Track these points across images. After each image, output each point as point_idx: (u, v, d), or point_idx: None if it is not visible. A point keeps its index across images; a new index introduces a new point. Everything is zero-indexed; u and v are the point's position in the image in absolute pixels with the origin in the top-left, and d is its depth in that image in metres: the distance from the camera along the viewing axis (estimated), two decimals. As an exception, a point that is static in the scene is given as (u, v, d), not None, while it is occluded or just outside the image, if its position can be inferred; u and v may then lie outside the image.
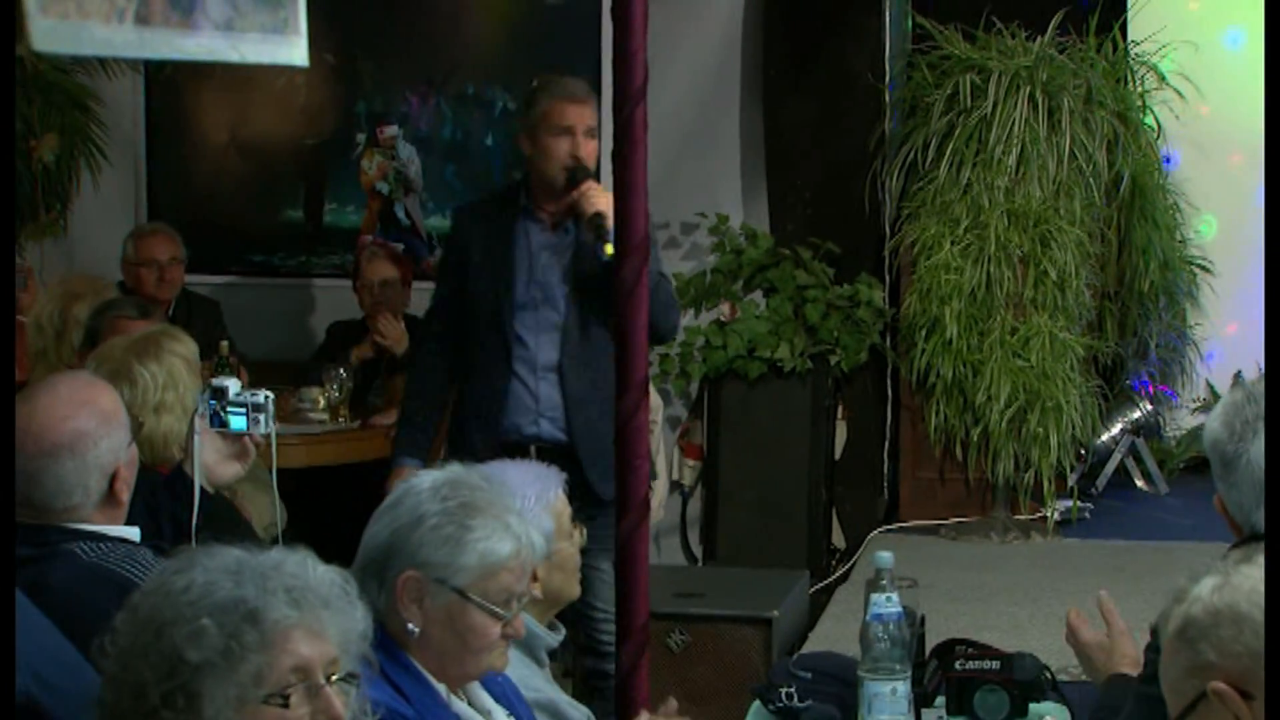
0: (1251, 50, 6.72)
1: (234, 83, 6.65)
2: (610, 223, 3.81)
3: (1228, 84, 6.69)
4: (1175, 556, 5.35)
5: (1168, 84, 6.44)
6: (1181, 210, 6.68)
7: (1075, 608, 2.91)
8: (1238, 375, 6.82)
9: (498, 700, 2.52)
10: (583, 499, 3.99)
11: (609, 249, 3.92)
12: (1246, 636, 1.76)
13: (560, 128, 4.19)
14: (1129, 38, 6.54)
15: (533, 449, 4.15)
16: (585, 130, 4.21)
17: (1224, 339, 7.00)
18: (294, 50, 2.14)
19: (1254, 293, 6.93)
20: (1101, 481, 6.56)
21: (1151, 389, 6.71)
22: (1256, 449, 2.49)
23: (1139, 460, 6.61)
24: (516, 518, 2.39)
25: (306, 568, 1.84)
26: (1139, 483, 6.57)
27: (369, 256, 5.97)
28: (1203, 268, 6.93)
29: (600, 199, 4.05)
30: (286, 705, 1.77)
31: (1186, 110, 6.54)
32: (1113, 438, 6.59)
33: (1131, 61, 6.42)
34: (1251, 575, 1.79)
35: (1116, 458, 6.59)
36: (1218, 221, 6.93)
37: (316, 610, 1.81)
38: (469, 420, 4.31)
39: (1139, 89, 6.48)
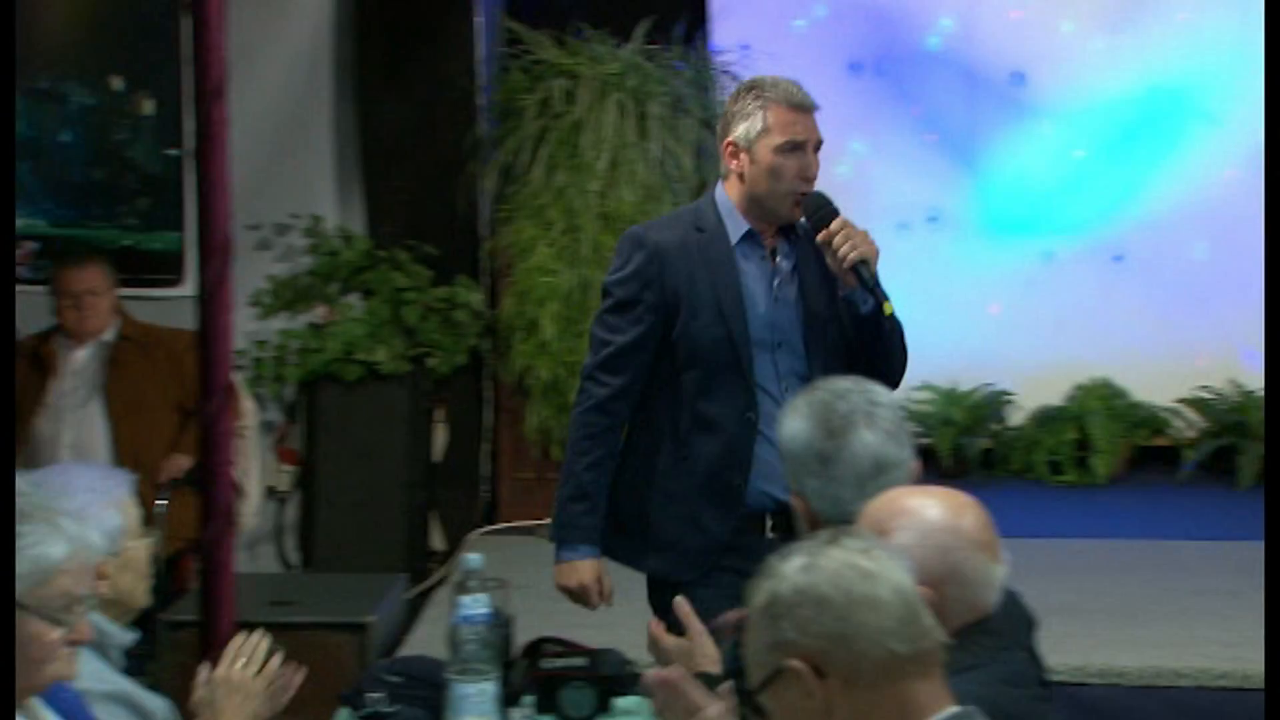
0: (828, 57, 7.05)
1: None
2: (874, 268, 3.35)
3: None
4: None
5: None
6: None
7: (655, 620, 2.93)
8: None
9: (66, 717, 2.41)
10: None
11: (889, 307, 3.34)
12: (826, 619, 1.84)
13: (791, 143, 3.41)
14: (712, 47, 6.75)
15: (768, 517, 3.43)
16: (815, 144, 3.46)
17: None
18: None
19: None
20: (693, 478, 6.76)
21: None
22: (857, 441, 2.61)
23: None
24: (70, 519, 2.29)
25: None
26: (729, 478, 6.79)
27: None
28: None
29: (865, 243, 3.36)
30: None
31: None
32: (704, 435, 6.80)
33: (715, 69, 6.63)
34: (836, 558, 1.87)
35: (707, 454, 6.81)
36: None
37: None
38: (695, 487, 3.46)
39: (722, 97, 6.69)
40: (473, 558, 2.95)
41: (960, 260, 6.75)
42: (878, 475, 2.60)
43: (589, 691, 3.01)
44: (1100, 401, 6.85)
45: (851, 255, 3.32)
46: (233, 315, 3.33)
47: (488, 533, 6.24)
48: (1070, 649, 4.56)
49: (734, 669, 2.53)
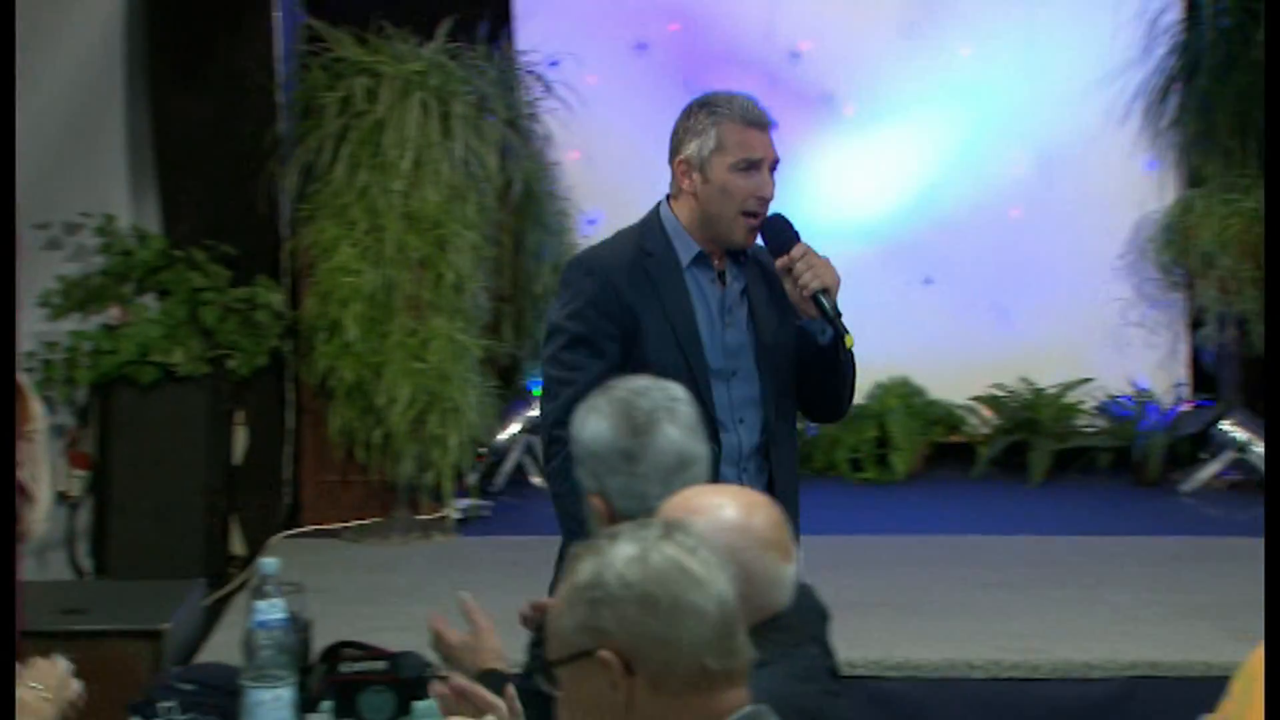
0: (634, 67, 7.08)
1: None
2: (835, 297, 3.26)
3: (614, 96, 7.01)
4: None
5: (554, 94, 6.67)
6: (570, 215, 6.93)
7: (436, 613, 2.82)
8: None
9: None
10: None
11: (850, 340, 3.26)
12: (649, 620, 1.83)
13: (746, 161, 3.29)
14: (516, 47, 6.74)
15: None
16: (771, 163, 3.34)
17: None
18: None
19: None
20: (500, 480, 6.75)
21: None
22: (662, 437, 2.64)
23: (535, 458, 6.84)
24: None
25: None
26: (535, 480, 6.79)
27: None
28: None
29: (827, 272, 3.27)
30: None
31: (574, 119, 6.78)
32: (511, 436, 6.79)
33: (519, 69, 6.62)
34: (667, 554, 1.86)
35: (514, 456, 6.79)
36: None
37: None
38: None
39: (526, 98, 6.69)
40: (269, 562, 2.91)
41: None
42: (681, 470, 2.63)
43: (388, 695, 2.99)
44: (899, 399, 6.99)
45: (813, 284, 3.24)
46: (18, 315, 3.24)
47: (290, 536, 6.15)
48: (869, 643, 4.65)
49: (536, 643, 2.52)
